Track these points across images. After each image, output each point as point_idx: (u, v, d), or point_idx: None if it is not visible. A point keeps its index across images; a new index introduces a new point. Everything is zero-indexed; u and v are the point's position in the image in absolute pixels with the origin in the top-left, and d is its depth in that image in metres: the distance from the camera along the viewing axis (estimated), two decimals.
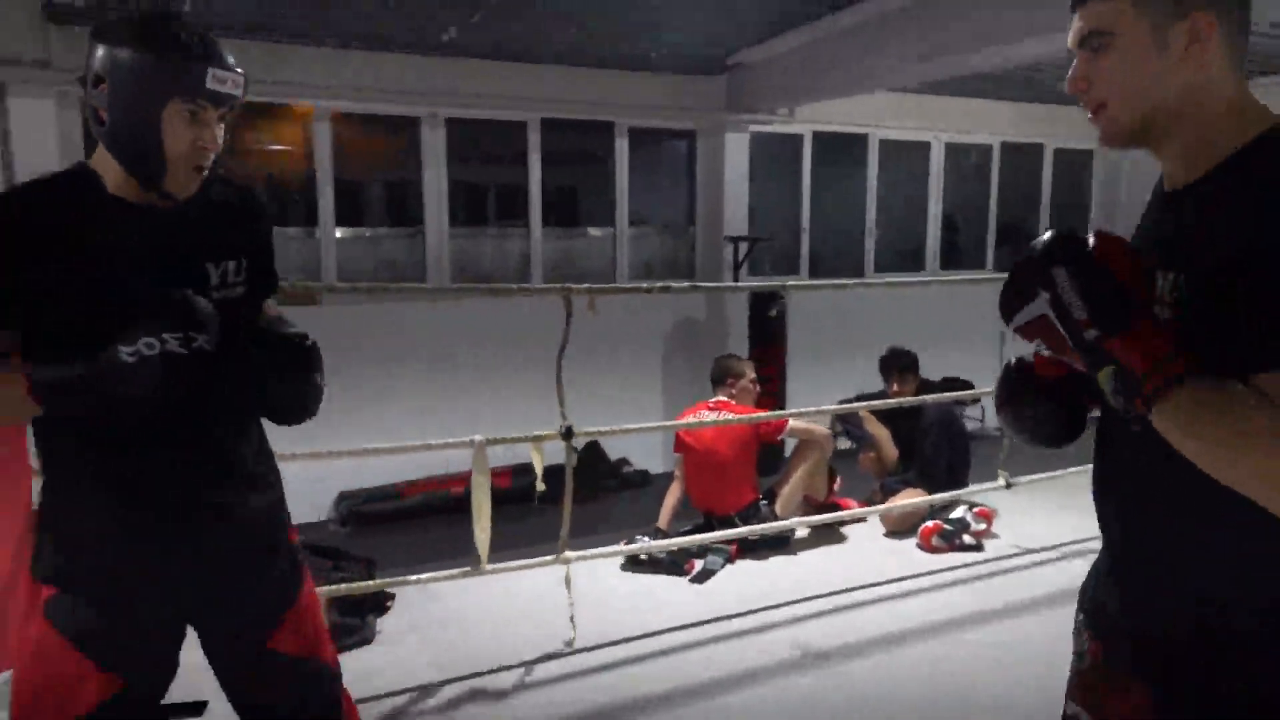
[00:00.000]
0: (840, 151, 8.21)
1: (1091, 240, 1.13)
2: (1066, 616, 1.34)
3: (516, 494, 6.41)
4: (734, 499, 4.19)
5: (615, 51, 6.62)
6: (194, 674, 1.78)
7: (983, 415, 7.75)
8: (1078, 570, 1.34)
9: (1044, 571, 3.94)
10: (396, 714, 2.98)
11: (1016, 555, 4.18)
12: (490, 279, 7.10)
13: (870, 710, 2.89)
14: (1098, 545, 1.23)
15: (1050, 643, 3.17)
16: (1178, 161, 1.20)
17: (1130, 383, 1.03)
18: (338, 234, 6.64)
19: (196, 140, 1.62)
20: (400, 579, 3.42)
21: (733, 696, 2.99)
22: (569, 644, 3.39)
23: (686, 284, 3.90)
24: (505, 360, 6.48)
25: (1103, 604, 1.26)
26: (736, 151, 7.58)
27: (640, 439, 7.18)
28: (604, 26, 6.05)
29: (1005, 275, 1.19)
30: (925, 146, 8.49)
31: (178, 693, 1.76)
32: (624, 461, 7.37)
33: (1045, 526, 4.48)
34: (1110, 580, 1.26)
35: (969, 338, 7.31)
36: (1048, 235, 1.15)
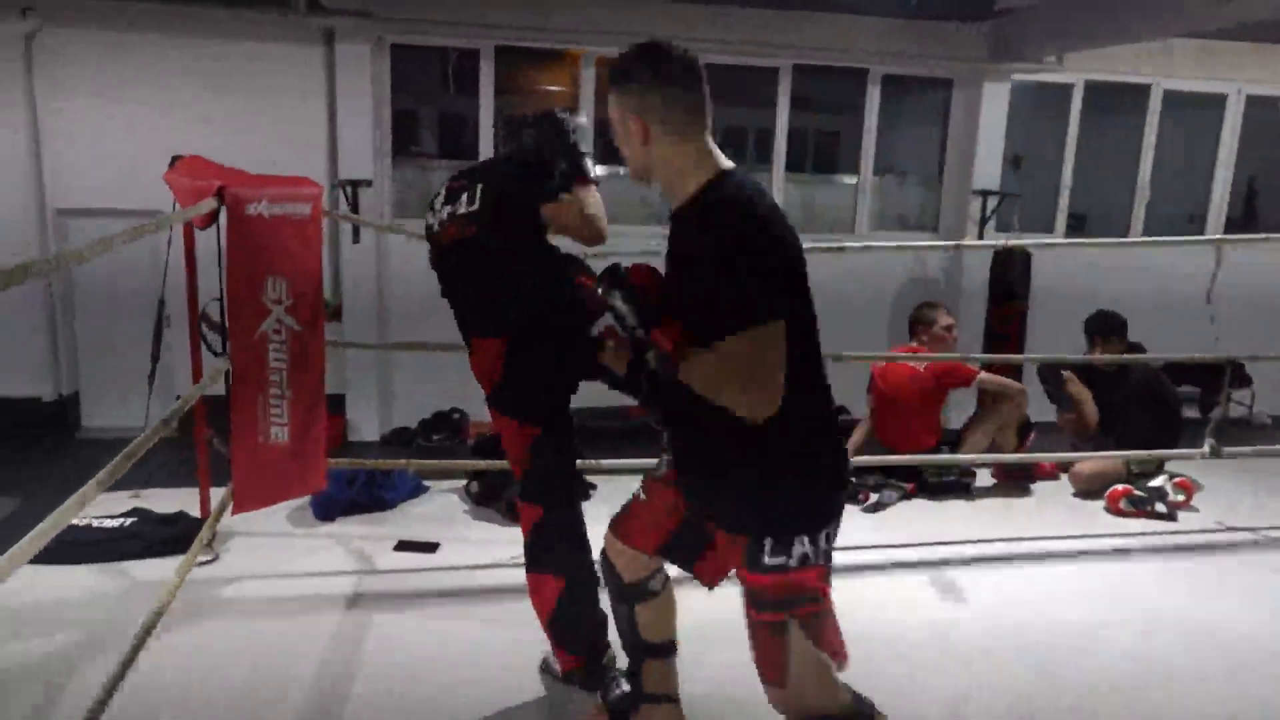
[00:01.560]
0: (1114, 103, 7.60)
1: (629, 270, 1.83)
2: (1255, 599, 1.38)
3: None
4: (916, 441, 4.24)
5: None
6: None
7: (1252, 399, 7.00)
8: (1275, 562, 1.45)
9: (1240, 552, 3.67)
10: None
11: (1214, 531, 3.90)
12: None
13: (1029, 664, 2.85)
14: None
15: (1235, 624, 3.05)
16: (667, 194, 1.85)
17: (665, 358, 1.78)
18: (599, 170, 7.23)
19: None
20: (595, 463, 3.81)
21: (880, 626, 3.07)
22: None
23: (857, 244, 3.94)
24: None
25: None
26: (995, 102, 7.28)
27: (861, 389, 7.25)
28: None
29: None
30: (1219, 99, 7.62)
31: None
32: (843, 410, 7.48)
33: (1252, 507, 4.11)
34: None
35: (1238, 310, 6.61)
36: (604, 268, 1.85)
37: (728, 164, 1.83)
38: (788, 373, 1.69)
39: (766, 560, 1.78)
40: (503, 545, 3.40)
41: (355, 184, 6.67)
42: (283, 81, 6.63)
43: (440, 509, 3.86)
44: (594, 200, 2.44)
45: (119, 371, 6.71)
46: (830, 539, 1.84)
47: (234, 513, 3.03)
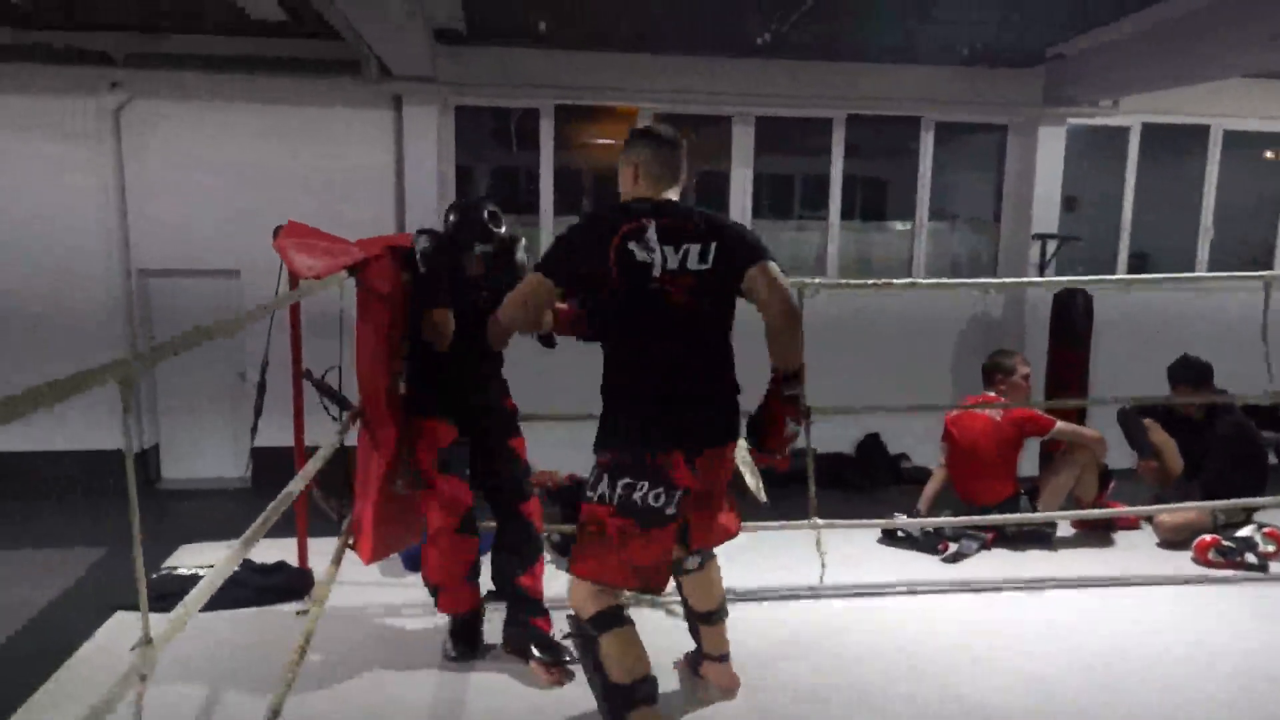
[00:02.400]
0: (1171, 144, 7.59)
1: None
2: None
3: (795, 474, 6.77)
4: (993, 491, 4.23)
5: (927, 47, 6.69)
6: None
7: None
8: None
9: None
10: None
11: None
12: (788, 271, 7.47)
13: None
14: None
15: None
16: None
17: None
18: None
19: None
20: None
21: (965, 658, 3.09)
22: (815, 586, 3.71)
23: (955, 281, 3.99)
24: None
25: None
26: (1051, 145, 7.31)
27: (923, 436, 7.22)
28: (920, 23, 6.16)
29: None
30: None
31: None
32: (903, 457, 7.46)
33: None
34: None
35: None
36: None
37: (634, 201, 2.62)
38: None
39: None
40: None
41: None
42: (353, 144, 6.89)
43: None
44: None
45: (195, 425, 6.93)
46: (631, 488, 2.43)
47: (367, 562, 3.17)
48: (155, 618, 3.15)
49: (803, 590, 3.78)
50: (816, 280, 3.82)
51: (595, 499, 2.48)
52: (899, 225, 7.79)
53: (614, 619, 2.49)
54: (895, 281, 4.18)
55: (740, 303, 2.67)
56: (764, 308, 2.55)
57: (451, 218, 3.18)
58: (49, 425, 5.97)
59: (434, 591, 3.17)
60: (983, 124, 7.61)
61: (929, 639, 3.34)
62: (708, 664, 2.96)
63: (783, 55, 6.81)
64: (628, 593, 2.57)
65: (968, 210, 7.98)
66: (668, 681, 2.89)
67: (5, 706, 3.01)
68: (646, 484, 2.44)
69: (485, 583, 3.28)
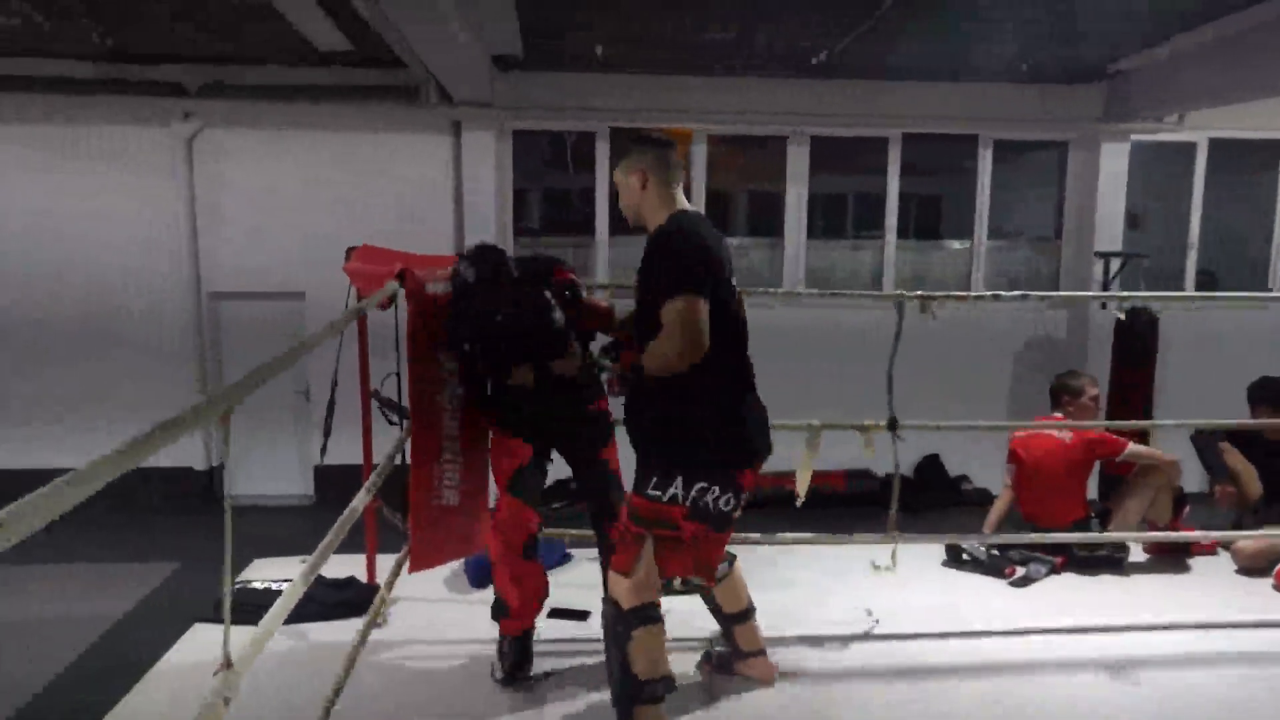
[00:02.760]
0: (1240, 159, 7.41)
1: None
2: None
3: (850, 497, 6.73)
4: (1062, 513, 4.13)
5: (985, 64, 6.65)
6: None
7: None
8: None
9: None
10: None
11: None
12: (843, 288, 7.44)
13: None
14: None
15: None
16: (646, 225, 2.62)
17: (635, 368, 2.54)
18: None
19: None
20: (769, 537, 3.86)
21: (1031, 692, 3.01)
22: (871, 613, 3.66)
23: (1017, 293, 3.94)
24: (845, 364, 6.85)
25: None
26: (1113, 162, 7.19)
27: (984, 457, 7.11)
28: (979, 41, 6.13)
29: None
30: None
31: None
32: (964, 479, 7.35)
33: None
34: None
35: None
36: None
37: (686, 206, 2.63)
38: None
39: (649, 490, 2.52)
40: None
41: None
42: (414, 168, 7.05)
43: (586, 576, 3.94)
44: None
45: (261, 444, 7.10)
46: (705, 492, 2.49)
47: (410, 571, 3.19)
48: (235, 632, 3.24)
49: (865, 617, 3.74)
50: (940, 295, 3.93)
51: (664, 499, 2.50)
52: (955, 244, 7.71)
53: (652, 615, 2.55)
54: (995, 294, 4.11)
55: (753, 317, 2.76)
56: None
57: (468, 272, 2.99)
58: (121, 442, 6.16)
59: (502, 608, 3.15)
60: (1041, 140, 7.53)
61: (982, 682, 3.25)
62: (749, 661, 3.08)
63: (839, 75, 6.82)
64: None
65: (1027, 228, 7.87)
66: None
67: (91, 716, 3.11)
68: (718, 489, 2.50)
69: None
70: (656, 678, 2.53)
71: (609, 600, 2.58)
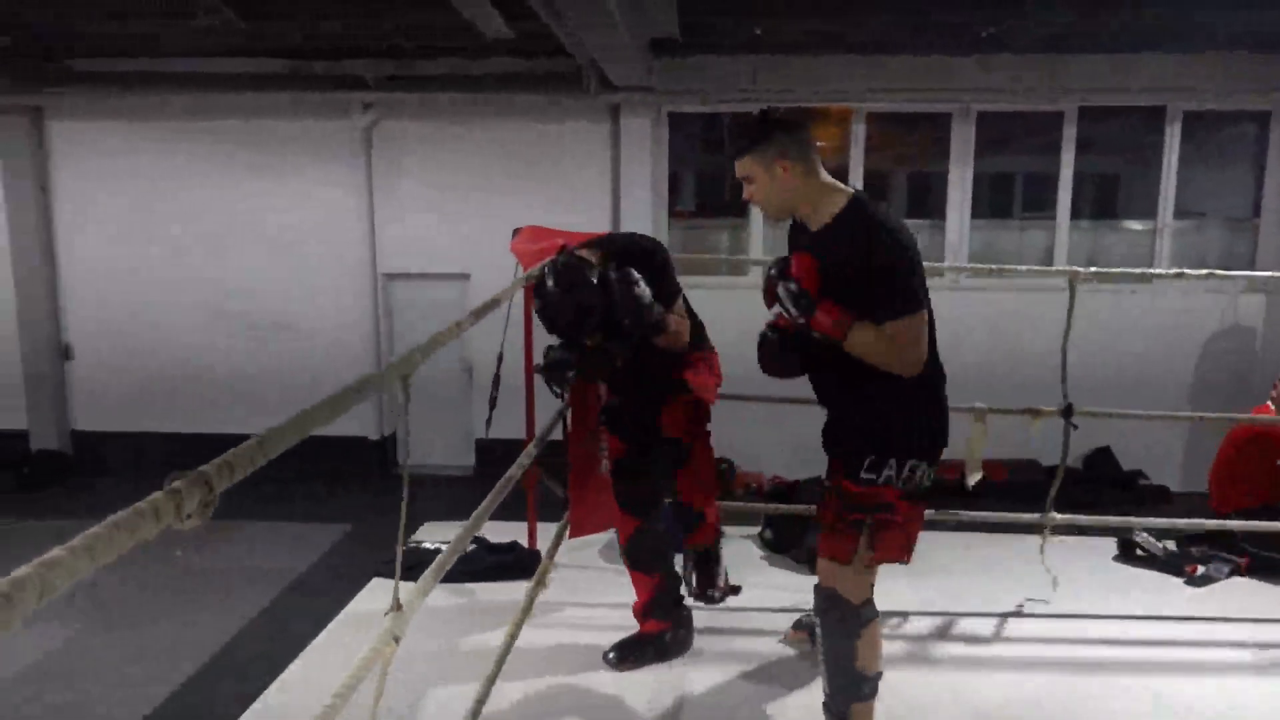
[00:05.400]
0: None
1: (792, 264, 2.42)
2: None
3: (1014, 488, 6.43)
4: (1234, 497, 3.84)
5: (1174, 31, 6.17)
6: None
7: None
8: None
9: None
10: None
11: None
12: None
13: None
14: None
15: None
16: (809, 219, 2.53)
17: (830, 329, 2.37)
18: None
19: None
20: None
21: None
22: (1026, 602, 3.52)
23: (1203, 271, 3.65)
24: (1012, 348, 6.56)
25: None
26: None
27: (1160, 451, 6.66)
28: (1169, 6, 5.70)
29: None
30: None
31: None
32: (1139, 474, 6.88)
33: None
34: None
35: None
36: (772, 263, 2.50)
37: (850, 189, 2.51)
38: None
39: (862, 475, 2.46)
40: (803, 591, 3.46)
41: None
42: (574, 152, 7.24)
43: (736, 554, 3.99)
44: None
45: (427, 415, 7.50)
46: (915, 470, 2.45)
47: (570, 536, 3.33)
48: (405, 586, 3.49)
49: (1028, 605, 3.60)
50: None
51: (880, 481, 2.45)
52: (1135, 224, 7.22)
53: (875, 609, 2.54)
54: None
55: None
56: None
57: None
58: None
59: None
60: (1237, 112, 6.93)
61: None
62: None
63: (1008, 49, 6.50)
64: None
65: (1215, 207, 7.26)
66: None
67: (283, 658, 3.42)
68: (925, 465, 2.49)
69: None
70: (878, 672, 2.54)
71: (829, 593, 2.52)
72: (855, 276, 2.36)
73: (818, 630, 2.59)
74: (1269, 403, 4.11)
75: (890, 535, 2.48)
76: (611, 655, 3.12)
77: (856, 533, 2.46)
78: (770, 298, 2.46)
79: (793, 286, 2.37)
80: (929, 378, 2.49)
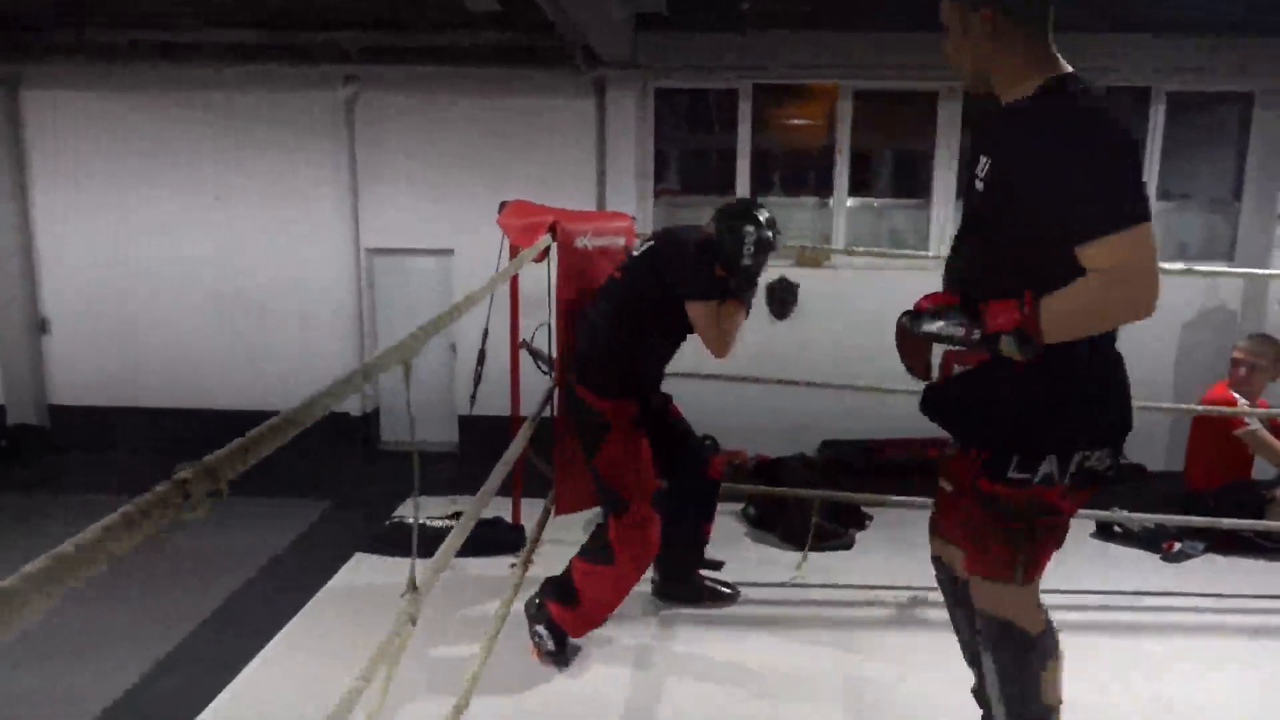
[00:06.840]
0: None
1: (925, 303, 2.00)
2: None
3: None
4: (1202, 474, 3.90)
5: (1156, 13, 6.18)
6: None
7: None
8: None
9: None
10: (860, 604, 3.45)
11: None
12: None
13: None
14: None
15: None
16: (1001, 90, 1.98)
17: (1022, 335, 1.83)
18: (849, 203, 7.26)
19: None
20: (878, 497, 3.83)
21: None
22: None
23: (1180, 266, 3.69)
24: None
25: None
26: None
27: (1140, 431, 6.70)
28: None
29: None
30: None
31: None
32: (1140, 467, 6.94)
33: None
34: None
35: None
36: (902, 316, 2.04)
37: (1069, 68, 1.95)
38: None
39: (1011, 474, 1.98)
40: (782, 565, 3.49)
41: None
42: (558, 127, 7.18)
43: (719, 530, 4.00)
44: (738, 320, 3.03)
45: (411, 392, 7.46)
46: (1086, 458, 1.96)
47: (556, 514, 3.33)
48: (397, 561, 3.47)
49: None
50: None
51: (1036, 480, 1.96)
52: None
53: (1055, 635, 2.14)
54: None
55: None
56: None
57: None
58: (283, 390, 6.66)
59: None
60: (1220, 94, 6.95)
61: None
62: None
63: None
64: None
65: (1195, 189, 7.31)
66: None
67: (265, 634, 3.40)
68: (1101, 452, 2.02)
69: None
70: (1060, 703, 2.13)
71: (1002, 625, 2.06)
72: (1045, 178, 1.79)
73: (984, 664, 2.15)
74: (1225, 381, 4.15)
75: (1054, 537, 2.05)
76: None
77: (1011, 544, 2.00)
78: (915, 348, 2.01)
79: (932, 310, 1.95)
80: (1099, 342, 2.00)
